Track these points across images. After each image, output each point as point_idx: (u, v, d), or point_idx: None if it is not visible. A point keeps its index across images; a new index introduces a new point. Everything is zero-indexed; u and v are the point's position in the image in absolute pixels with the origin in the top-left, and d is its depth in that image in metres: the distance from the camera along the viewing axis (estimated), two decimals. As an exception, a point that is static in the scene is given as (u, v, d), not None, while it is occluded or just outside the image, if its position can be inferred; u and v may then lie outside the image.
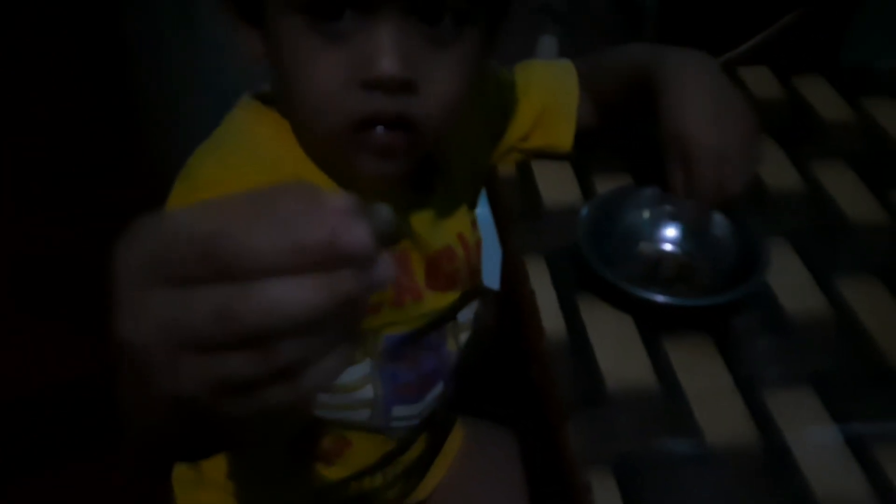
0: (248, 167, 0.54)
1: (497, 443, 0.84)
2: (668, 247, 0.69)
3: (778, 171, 0.77)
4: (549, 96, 0.74)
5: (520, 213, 0.74)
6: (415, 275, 0.64)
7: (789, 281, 0.66)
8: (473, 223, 0.70)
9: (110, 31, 2.31)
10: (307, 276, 0.25)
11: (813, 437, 0.55)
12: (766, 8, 1.69)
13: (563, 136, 0.75)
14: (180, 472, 0.77)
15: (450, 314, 0.68)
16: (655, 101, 0.65)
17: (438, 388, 0.70)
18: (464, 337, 0.71)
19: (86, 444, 1.29)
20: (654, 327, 0.62)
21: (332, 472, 0.69)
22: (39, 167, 1.87)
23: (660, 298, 0.61)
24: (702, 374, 0.59)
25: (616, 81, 0.73)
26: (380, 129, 0.50)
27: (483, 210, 0.78)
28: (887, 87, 0.90)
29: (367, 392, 0.64)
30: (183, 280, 0.26)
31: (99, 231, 1.75)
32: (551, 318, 0.63)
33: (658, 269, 0.67)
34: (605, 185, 0.75)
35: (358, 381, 0.64)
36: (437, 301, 0.66)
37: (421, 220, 0.63)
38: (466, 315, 0.71)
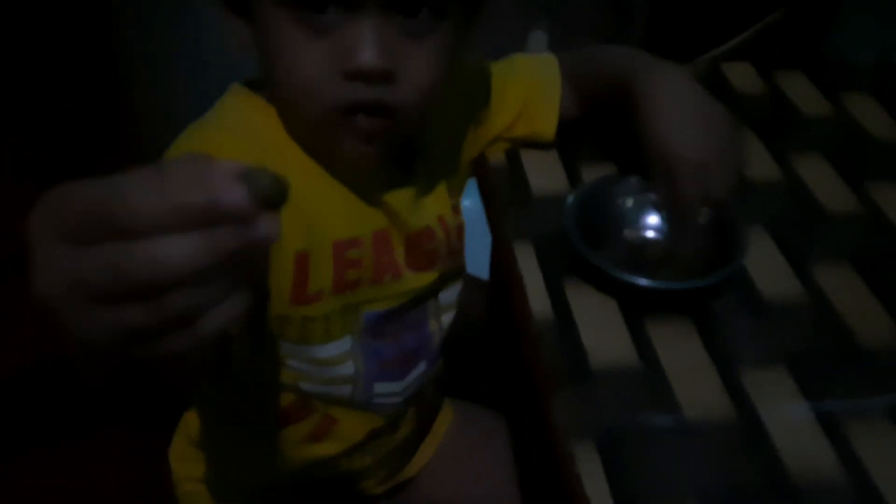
0: (230, 145, 0.56)
1: (485, 424, 0.87)
2: (651, 233, 0.71)
3: (758, 163, 0.80)
4: (532, 88, 0.76)
5: (509, 201, 0.76)
6: (394, 253, 0.66)
7: (766, 266, 0.69)
8: (455, 208, 0.73)
9: (100, 21, 2.32)
10: (190, 234, 0.28)
11: (786, 413, 0.58)
12: (752, 5, 1.72)
13: (546, 126, 0.77)
14: (177, 446, 0.79)
15: (430, 294, 0.71)
16: (635, 116, 0.67)
17: (421, 367, 0.72)
18: (447, 318, 0.73)
19: (78, 423, 1.30)
20: (636, 309, 0.65)
21: (320, 449, 0.71)
22: (19, 154, 1.88)
23: (643, 282, 0.63)
24: (681, 353, 0.62)
25: (599, 83, 0.76)
26: (361, 116, 0.54)
27: (473, 200, 0.81)
28: (865, 83, 0.93)
29: (349, 368, 0.66)
30: (82, 239, 0.29)
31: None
32: (539, 300, 0.65)
33: (641, 254, 0.70)
34: (591, 174, 0.78)
35: (339, 356, 0.66)
36: (416, 280, 0.68)
37: (401, 200, 0.65)
38: (448, 296, 0.73)
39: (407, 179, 0.66)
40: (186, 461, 0.77)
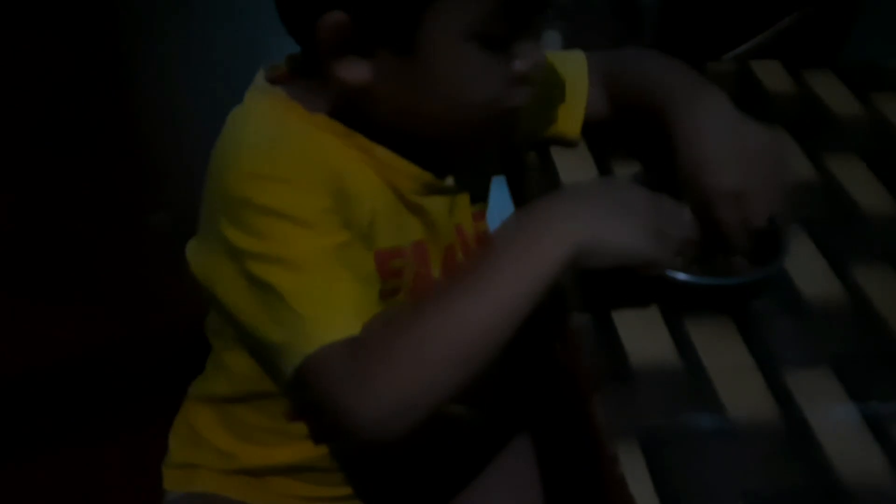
0: (300, 167, 0.57)
1: (512, 444, 0.84)
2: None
3: (793, 162, 0.79)
4: (558, 87, 0.75)
5: (540, 198, 0.75)
6: (431, 266, 0.66)
7: (806, 267, 0.68)
8: (477, 214, 0.72)
9: (104, 21, 2.31)
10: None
11: (832, 415, 0.57)
12: (766, 8, 1.71)
13: (571, 125, 0.77)
14: (178, 427, 0.77)
15: None
16: (670, 141, 0.65)
17: None
18: None
19: (79, 429, 1.30)
20: (675, 307, 0.63)
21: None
22: (25, 146, 1.86)
23: (682, 277, 0.62)
24: (723, 353, 0.61)
25: (633, 94, 0.74)
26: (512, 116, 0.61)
27: (502, 193, 0.80)
28: (893, 84, 0.92)
29: None
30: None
31: (89, 211, 1.75)
32: (574, 298, 0.64)
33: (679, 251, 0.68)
34: (623, 170, 0.77)
35: None
36: None
37: (439, 212, 0.65)
38: None
39: (444, 190, 0.65)
40: (185, 444, 0.76)
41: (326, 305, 0.53)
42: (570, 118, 0.77)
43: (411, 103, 0.59)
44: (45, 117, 1.96)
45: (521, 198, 0.78)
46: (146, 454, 0.79)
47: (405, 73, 0.57)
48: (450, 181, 0.66)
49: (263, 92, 0.62)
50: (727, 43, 1.78)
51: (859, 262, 0.69)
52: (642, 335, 0.61)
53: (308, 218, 0.55)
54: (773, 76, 0.92)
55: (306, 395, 0.55)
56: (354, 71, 0.57)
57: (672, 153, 0.65)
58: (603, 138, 0.79)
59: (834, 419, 0.56)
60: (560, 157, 0.78)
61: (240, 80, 0.65)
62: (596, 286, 0.64)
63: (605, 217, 0.56)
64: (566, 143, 0.78)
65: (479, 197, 0.74)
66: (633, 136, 0.80)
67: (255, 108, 0.62)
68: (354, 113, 0.60)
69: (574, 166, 0.78)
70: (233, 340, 0.66)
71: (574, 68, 0.77)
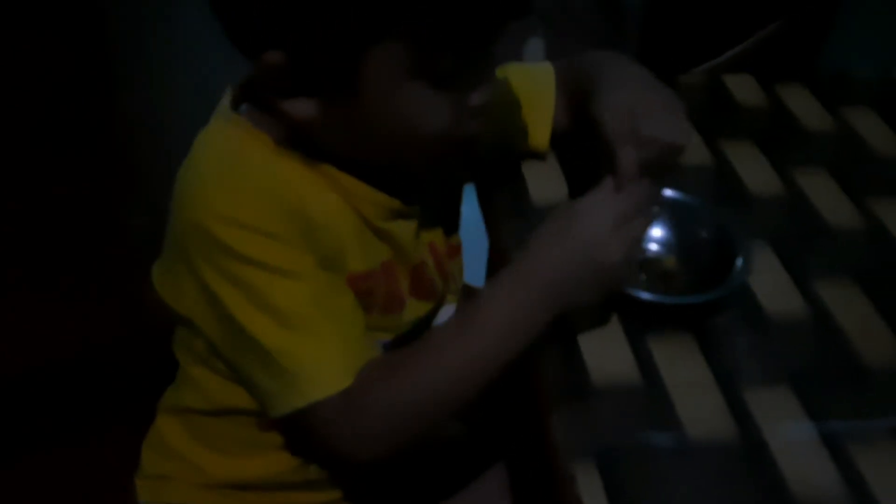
0: (263, 199, 0.57)
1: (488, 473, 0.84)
2: (653, 247, 0.70)
3: (761, 177, 0.79)
4: (526, 99, 0.75)
5: (508, 211, 0.75)
6: (400, 284, 0.66)
7: (769, 282, 0.68)
8: (448, 230, 0.72)
9: (91, 25, 2.31)
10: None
11: (789, 433, 0.57)
12: (747, 17, 1.72)
13: (539, 138, 0.77)
14: (150, 439, 0.77)
15: (428, 320, 0.70)
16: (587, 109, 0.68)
17: None
18: None
19: (71, 429, 1.29)
20: (638, 324, 0.64)
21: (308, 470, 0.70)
22: (12, 148, 1.86)
23: (645, 296, 0.62)
24: (683, 370, 0.61)
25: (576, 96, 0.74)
26: (466, 144, 0.60)
27: (472, 207, 0.80)
28: (865, 97, 0.93)
29: None
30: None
31: (81, 211, 1.75)
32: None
33: (643, 268, 0.69)
34: (592, 183, 0.77)
35: None
36: (418, 309, 0.68)
37: (405, 235, 0.66)
38: (443, 319, 0.72)
39: (411, 211, 0.65)
40: (156, 457, 0.75)
41: (316, 363, 0.55)
42: (537, 132, 0.77)
43: (360, 138, 0.58)
44: (34, 121, 1.96)
45: (491, 211, 0.78)
46: (136, 457, 0.79)
47: (351, 111, 0.56)
48: (416, 205, 0.66)
49: (228, 120, 0.61)
50: (710, 46, 1.78)
51: (823, 278, 0.69)
52: (604, 353, 0.62)
53: (287, 267, 0.56)
54: (744, 89, 0.92)
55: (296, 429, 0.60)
56: (300, 106, 0.56)
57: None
58: (572, 150, 0.79)
59: (791, 437, 0.57)
60: (528, 168, 0.79)
61: (225, 86, 0.65)
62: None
63: (584, 278, 0.57)
64: (535, 157, 0.79)
65: (450, 212, 0.74)
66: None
67: (219, 138, 0.61)
68: (311, 147, 0.60)
69: (542, 178, 0.78)
70: (202, 359, 0.66)
71: (541, 81, 0.77)
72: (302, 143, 0.59)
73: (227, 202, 0.56)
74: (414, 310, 0.68)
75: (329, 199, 0.60)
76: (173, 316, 0.64)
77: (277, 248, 0.56)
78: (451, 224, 0.74)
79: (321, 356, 0.56)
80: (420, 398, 0.56)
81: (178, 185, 0.60)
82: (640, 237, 0.59)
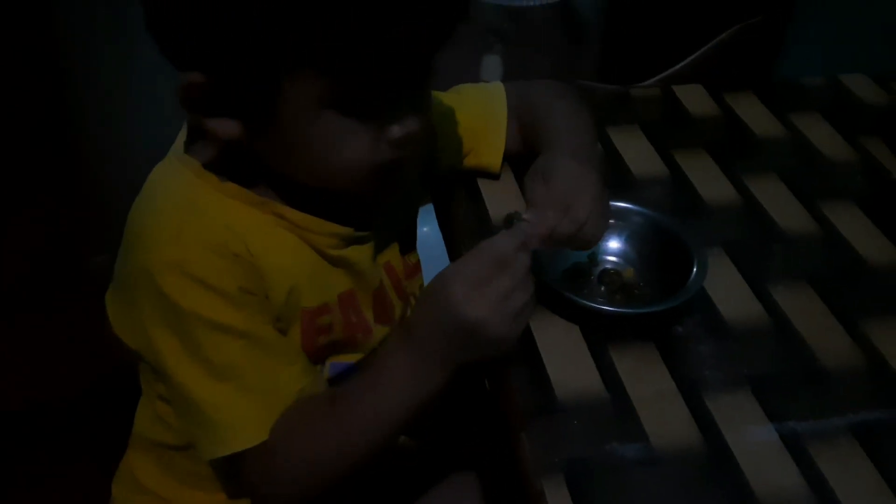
0: (213, 239, 0.57)
1: (457, 482, 0.84)
2: (612, 259, 0.71)
3: (714, 185, 0.81)
4: (479, 120, 0.76)
5: (468, 229, 0.76)
6: (363, 312, 0.67)
7: (726, 289, 0.69)
8: (405, 248, 0.72)
9: (44, 45, 2.27)
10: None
11: (751, 437, 0.58)
12: (706, 24, 1.75)
13: (492, 159, 0.77)
14: (121, 474, 0.76)
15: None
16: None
17: None
18: None
19: (38, 468, 1.27)
20: (600, 337, 0.64)
21: None
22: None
23: (606, 308, 0.63)
24: (646, 380, 0.62)
25: (529, 133, 0.76)
26: (393, 170, 0.59)
27: (432, 226, 0.80)
28: (815, 102, 0.95)
29: None
30: (484, 281, 0.54)
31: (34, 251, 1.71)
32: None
33: (603, 280, 0.70)
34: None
35: None
36: (382, 332, 0.69)
37: (363, 259, 0.66)
38: None
39: (367, 236, 0.66)
40: (129, 491, 0.75)
41: (240, 417, 0.58)
42: (490, 152, 0.77)
43: (284, 161, 0.59)
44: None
45: (449, 227, 0.78)
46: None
47: (271, 134, 0.56)
48: (370, 229, 0.66)
49: (181, 159, 0.61)
50: (670, 59, 1.82)
51: (778, 282, 0.70)
52: (568, 368, 0.62)
53: (225, 322, 0.56)
54: (695, 99, 0.94)
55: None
56: (224, 126, 0.56)
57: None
58: (527, 165, 0.80)
59: (753, 441, 0.58)
60: (486, 186, 0.79)
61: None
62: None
63: (465, 341, 0.55)
64: (489, 176, 0.79)
65: (406, 232, 0.74)
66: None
67: (170, 179, 0.61)
68: (253, 170, 0.60)
69: (501, 195, 0.78)
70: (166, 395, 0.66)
71: (494, 101, 0.77)
72: (246, 176, 0.60)
73: (174, 250, 0.57)
74: (380, 333, 0.68)
75: (279, 237, 0.61)
76: (126, 348, 0.64)
77: (219, 302, 0.57)
78: (407, 243, 0.74)
79: (245, 411, 0.58)
80: (326, 452, 0.59)
81: (129, 224, 0.60)
82: (524, 305, 0.55)
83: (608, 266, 0.71)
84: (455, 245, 0.76)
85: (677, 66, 1.80)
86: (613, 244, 0.71)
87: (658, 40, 1.80)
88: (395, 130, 0.57)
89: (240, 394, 0.58)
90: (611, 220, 0.69)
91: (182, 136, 0.63)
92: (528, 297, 0.55)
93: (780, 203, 0.79)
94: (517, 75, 1.53)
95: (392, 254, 0.70)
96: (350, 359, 0.67)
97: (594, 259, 0.71)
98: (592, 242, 0.63)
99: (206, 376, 0.57)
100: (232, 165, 0.60)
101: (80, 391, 1.37)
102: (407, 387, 0.57)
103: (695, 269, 0.66)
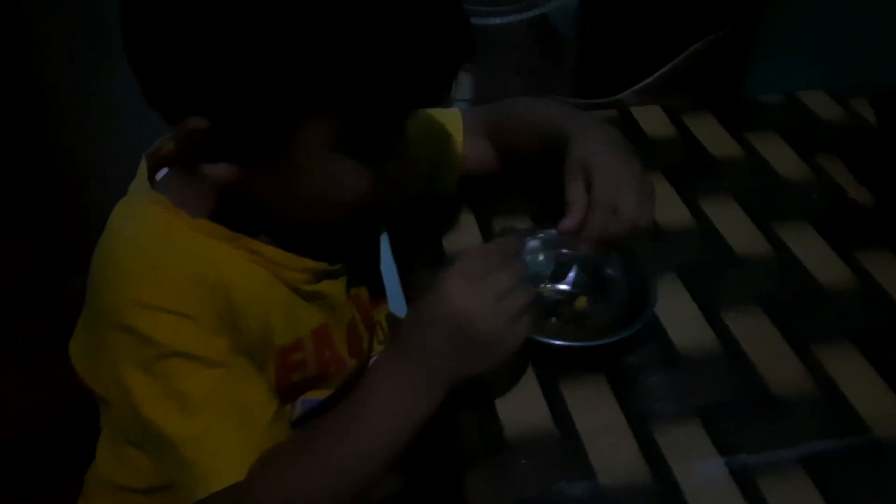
0: (185, 276, 0.56)
1: None
2: (564, 287, 0.71)
3: (670, 209, 0.81)
4: (436, 145, 0.76)
5: (421, 260, 0.75)
6: (336, 346, 0.66)
7: (679, 315, 0.69)
8: (369, 280, 0.71)
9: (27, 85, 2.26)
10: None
11: (700, 472, 0.57)
12: (679, 37, 1.76)
13: (447, 183, 0.78)
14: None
15: (360, 372, 0.69)
16: (564, 148, 0.67)
17: None
18: None
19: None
20: (550, 371, 0.64)
21: None
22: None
23: (555, 343, 0.63)
24: (596, 415, 0.61)
25: (529, 138, 0.75)
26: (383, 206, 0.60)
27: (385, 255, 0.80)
28: (773, 121, 0.95)
29: None
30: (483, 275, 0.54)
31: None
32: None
33: (554, 311, 0.69)
34: (502, 224, 0.77)
35: None
36: (354, 365, 0.68)
37: (336, 292, 0.65)
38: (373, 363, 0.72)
39: (339, 270, 0.65)
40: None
41: (217, 455, 0.55)
42: (446, 176, 0.78)
43: (281, 201, 0.58)
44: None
45: (403, 255, 0.78)
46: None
47: (273, 176, 0.56)
48: (342, 263, 0.65)
49: (147, 195, 0.60)
50: (642, 70, 1.82)
51: (731, 308, 0.70)
52: (518, 404, 0.62)
53: (197, 352, 0.55)
54: (653, 121, 0.94)
55: None
56: (220, 169, 0.56)
57: (566, 154, 0.66)
58: (483, 195, 0.80)
59: (702, 476, 0.57)
60: (440, 214, 0.79)
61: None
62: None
63: (479, 348, 0.54)
64: (444, 199, 0.79)
65: (371, 261, 0.74)
66: (514, 190, 0.81)
67: (138, 217, 0.60)
68: (234, 207, 0.59)
69: (455, 226, 0.78)
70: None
71: (450, 126, 0.78)
72: (221, 213, 0.59)
73: (144, 288, 0.56)
74: (352, 366, 0.68)
75: (252, 273, 0.60)
76: (91, 394, 0.62)
77: (190, 330, 0.55)
78: (373, 272, 0.73)
79: (222, 448, 0.55)
80: (310, 493, 0.55)
81: (95, 265, 0.59)
82: (523, 306, 0.54)
83: (560, 296, 0.70)
84: (408, 279, 0.75)
85: (649, 79, 1.81)
86: (567, 273, 0.71)
87: (631, 53, 1.81)
88: (391, 169, 0.57)
89: (217, 429, 0.56)
90: (563, 250, 0.69)
91: (143, 172, 0.61)
92: (525, 300, 0.54)
93: (735, 226, 0.79)
94: (489, 93, 1.53)
95: (360, 284, 0.70)
96: (322, 394, 0.66)
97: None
98: (646, 232, 0.63)
99: (180, 412, 0.55)
100: (206, 203, 0.59)
101: (34, 428, 1.35)
102: (396, 409, 0.54)
103: (646, 299, 0.66)
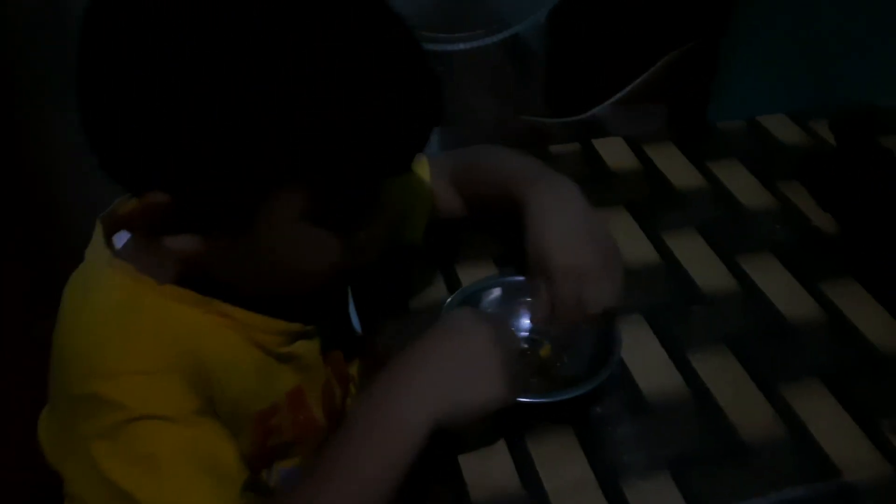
0: (159, 348, 0.55)
1: None
2: (525, 335, 0.70)
3: (634, 245, 0.80)
4: (402, 194, 0.75)
5: (384, 312, 0.74)
6: (311, 409, 0.65)
7: (645, 360, 0.68)
8: (341, 336, 0.70)
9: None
10: None
11: (671, 528, 0.56)
12: (650, 52, 1.77)
13: (415, 232, 0.76)
14: None
15: (334, 429, 0.68)
16: (523, 225, 0.67)
17: None
18: None
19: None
20: (517, 426, 0.63)
21: None
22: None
23: (519, 399, 0.61)
24: (563, 471, 0.60)
25: (487, 190, 0.75)
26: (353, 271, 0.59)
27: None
28: (734, 148, 0.95)
29: None
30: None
31: None
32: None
33: (521, 362, 0.68)
34: (468, 277, 0.76)
35: None
36: (329, 427, 0.66)
37: (310, 352, 0.64)
38: None
39: (314, 331, 0.64)
40: None
41: None
42: (413, 226, 0.76)
43: (247, 271, 0.56)
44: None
45: (366, 310, 0.76)
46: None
47: (238, 247, 0.54)
48: (315, 323, 0.64)
49: (109, 264, 0.57)
50: (614, 84, 1.82)
51: (697, 349, 0.69)
52: (483, 462, 0.60)
53: (165, 412, 0.53)
54: (615, 153, 0.94)
55: None
56: (183, 242, 0.54)
57: (525, 235, 0.66)
58: (447, 243, 0.79)
59: (672, 533, 0.56)
60: (403, 264, 0.78)
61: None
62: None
63: (459, 386, 0.55)
64: (410, 249, 0.78)
65: (341, 318, 0.72)
66: (479, 240, 0.80)
67: (102, 286, 0.57)
68: (201, 272, 0.57)
69: (419, 275, 0.77)
70: None
71: (416, 174, 0.77)
72: (189, 277, 0.57)
73: (110, 355, 0.54)
74: (326, 429, 0.66)
75: (225, 337, 0.58)
76: (55, 473, 0.60)
77: (159, 390, 0.53)
78: (345, 328, 0.72)
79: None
80: None
81: (59, 337, 0.56)
82: (515, 364, 0.58)
83: (523, 345, 0.69)
84: (371, 330, 0.74)
85: (622, 92, 1.81)
86: (528, 320, 0.70)
87: (601, 68, 1.81)
88: (363, 237, 0.56)
89: (190, 488, 0.53)
90: (528, 298, 0.68)
91: (100, 237, 0.59)
92: (517, 367, 0.58)
93: (699, 260, 0.79)
94: (461, 116, 1.52)
95: (331, 341, 0.68)
96: (297, 462, 0.65)
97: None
98: (614, 310, 0.64)
99: (151, 474, 0.52)
100: (174, 267, 0.57)
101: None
102: (382, 448, 0.53)
103: (611, 344, 0.65)
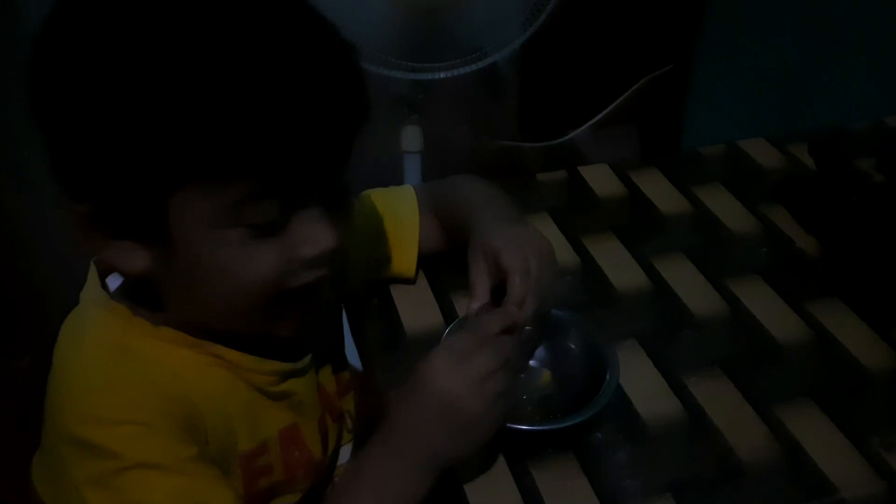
0: (150, 391, 0.55)
1: None
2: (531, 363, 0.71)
3: (624, 271, 0.82)
4: (391, 227, 0.76)
5: (382, 343, 0.74)
6: (307, 445, 0.65)
7: (641, 384, 0.69)
8: (333, 370, 0.70)
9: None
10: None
11: (675, 551, 0.57)
12: (622, 78, 1.80)
13: (406, 265, 0.77)
14: None
15: (329, 471, 0.68)
16: (468, 233, 0.70)
17: None
18: None
19: None
20: (520, 454, 0.63)
21: None
22: None
23: (521, 428, 0.62)
24: (567, 497, 0.61)
25: (454, 220, 0.76)
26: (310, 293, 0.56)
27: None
28: (716, 172, 0.97)
29: None
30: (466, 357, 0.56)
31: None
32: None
33: (522, 390, 0.69)
34: (464, 306, 0.77)
35: None
36: (325, 460, 0.67)
37: (304, 389, 0.64)
38: (343, 460, 0.70)
39: (302, 367, 0.64)
40: None
41: None
42: (403, 258, 0.77)
43: (190, 291, 0.55)
44: None
45: (364, 343, 0.77)
46: None
47: (170, 260, 0.53)
48: (307, 359, 0.64)
49: (105, 307, 0.58)
50: (585, 111, 1.86)
51: (692, 373, 0.71)
52: (489, 491, 0.61)
53: (156, 459, 0.53)
54: (601, 180, 0.95)
55: None
56: (127, 259, 0.54)
57: (469, 239, 0.69)
58: (442, 272, 0.80)
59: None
60: (400, 295, 0.78)
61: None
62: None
63: (451, 434, 0.55)
64: (403, 282, 0.79)
65: (335, 350, 0.72)
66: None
67: (97, 329, 0.57)
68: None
69: (415, 305, 0.78)
70: None
71: (405, 206, 0.77)
72: (184, 322, 0.57)
73: (102, 402, 0.54)
74: (322, 463, 0.66)
75: (215, 376, 0.58)
76: None
77: (150, 439, 0.53)
78: (337, 361, 0.72)
79: None
80: None
81: (53, 380, 0.56)
82: (504, 390, 0.56)
83: (521, 375, 0.70)
84: (369, 361, 0.74)
85: (598, 117, 1.84)
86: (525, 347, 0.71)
87: (575, 93, 1.84)
88: (307, 250, 0.54)
89: None
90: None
91: (94, 279, 0.59)
92: (508, 381, 0.56)
93: (689, 285, 0.80)
94: (438, 144, 1.54)
95: (325, 376, 0.68)
96: (293, 498, 0.65)
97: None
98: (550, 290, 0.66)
99: None
100: (168, 308, 0.57)
101: None
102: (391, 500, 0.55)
103: (609, 370, 0.66)
